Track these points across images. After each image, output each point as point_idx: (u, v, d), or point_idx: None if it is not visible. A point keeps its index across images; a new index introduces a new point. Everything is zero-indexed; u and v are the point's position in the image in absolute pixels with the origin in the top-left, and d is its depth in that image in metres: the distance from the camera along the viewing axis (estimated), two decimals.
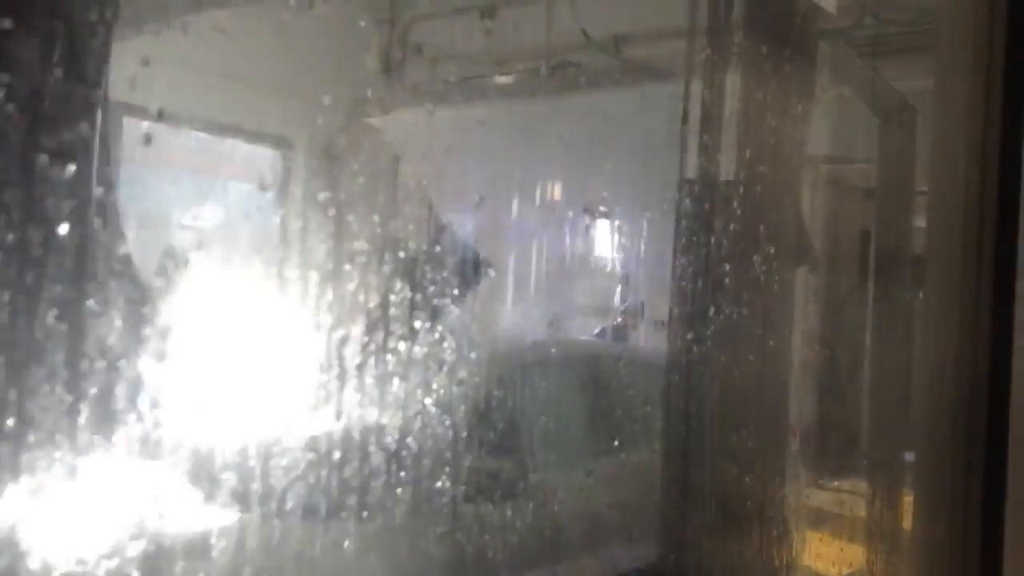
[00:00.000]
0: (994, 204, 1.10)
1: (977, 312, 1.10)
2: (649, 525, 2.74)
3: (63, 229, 0.69)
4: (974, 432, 1.10)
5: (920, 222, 2.99)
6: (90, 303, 0.72)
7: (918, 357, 1.16)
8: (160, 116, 1.12)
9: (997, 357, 1.10)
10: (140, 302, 0.82)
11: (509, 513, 2.16)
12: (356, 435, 1.07)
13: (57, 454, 0.71)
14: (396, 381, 1.10)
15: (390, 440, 1.08)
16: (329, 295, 1.23)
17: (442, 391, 1.04)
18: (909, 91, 3.05)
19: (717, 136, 1.94)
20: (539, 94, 3.65)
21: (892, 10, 3.56)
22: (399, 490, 1.04)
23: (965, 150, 1.11)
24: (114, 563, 0.83)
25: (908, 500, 2.48)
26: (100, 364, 0.74)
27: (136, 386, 0.81)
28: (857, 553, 2.56)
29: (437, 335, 1.03)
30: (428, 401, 1.05)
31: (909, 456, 2.57)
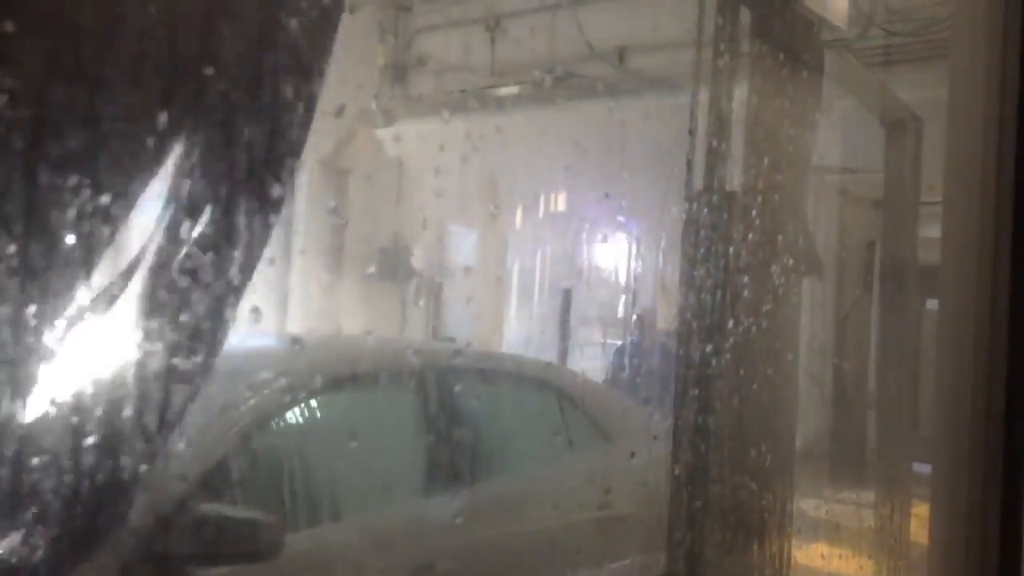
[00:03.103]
0: (1009, 214, 1.10)
1: (994, 322, 1.09)
2: None
3: None
4: (991, 443, 1.09)
5: (924, 232, 3.00)
6: None
7: (934, 368, 1.15)
8: None
9: (1014, 367, 1.09)
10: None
11: None
12: None
13: None
14: None
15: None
16: None
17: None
18: (915, 101, 3.04)
19: (726, 147, 1.93)
20: (543, 104, 3.65)
21: (898, 21, 3.57)
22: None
23: (980, 160, 1.10)
24: None
25: (922, 511, 2.47)
26: None
27: None
28: (868, 565, 2.54)
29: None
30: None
31: (923, 467, 2.56)
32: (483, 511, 2.26)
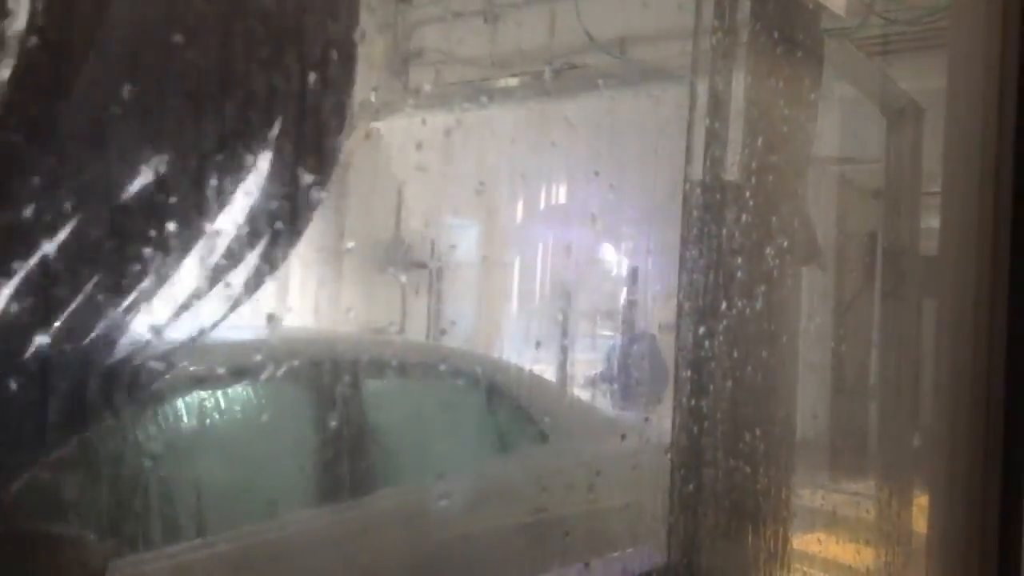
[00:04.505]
0: (1008, 203, 1.09)
1: (993, 312, 1.09)
2: None
3: None
4: (991, 433, 1.08)
5: (927, 222, 2.99)
6: None
7: (933, 358, 1.14)
8: None
9: (1013, 356, 1.09)
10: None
11: None
12: None
13: None
14: None
15: None
16: None
17: None
18: (915, 90, 3.04)
19: (724, 137, 1.93)
20: (543, 96, 3.64)
21: (898, 10, 3.55)
22: None
23: (979, 149, 1.09)
24: None
25: (921, 501, 2.47)
26: None
27: None
28: (868, 553, 2.54)
29: None
30: None
31: (922, 457, 2.55)
32: (384, 523, 2.01)
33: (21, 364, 0.65)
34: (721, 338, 1.80)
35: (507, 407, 2.48)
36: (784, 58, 2.06)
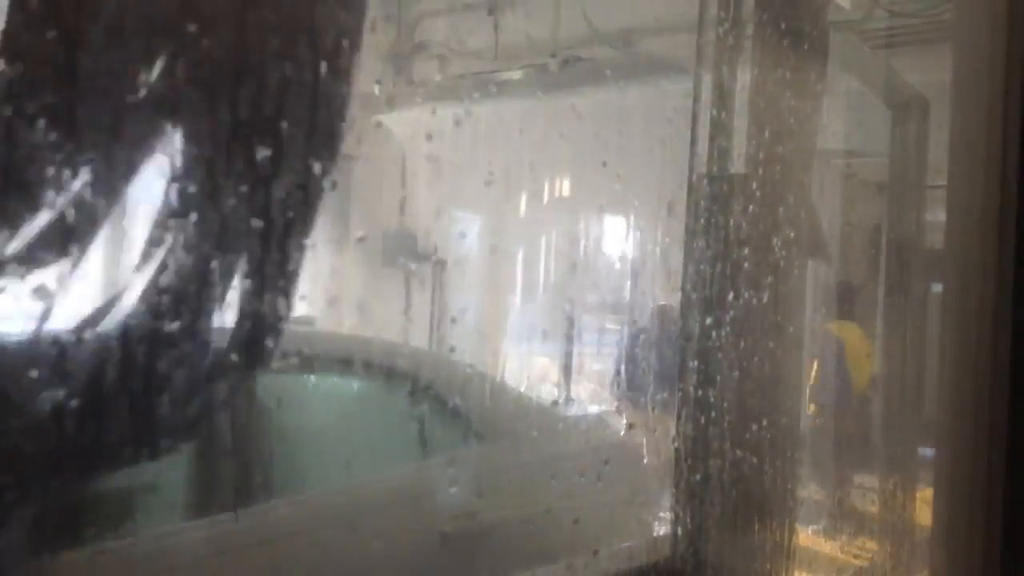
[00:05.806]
0: (1015, 195, 1.09)
1: (998, 304, 1.09)
2: None
3: None
4: (996, 427, 1.08)
5: (932, 216, 2.99)
6: None
7: (938, 351, 1.15)
8: None
9: (1018, 350, 1.09)
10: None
11: None
12: None
13: None
14: None
15: None
16: None
17: None
18: (921, 83, 3.03)
19: (729, 129, 1.93)
20: (547, 88, 3.64)
21: (903, 2, 3.54)
22: None
23: (985, 142, 1.09)
24: None
25: (926, 493, 2.47)
26: None
27: None
28: (872, 546, 2.55)
29: None
30: None
31: (926, 451, 2.56)
32: (273, 538, 1.75)
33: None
34: (728, 328, 1.80)
35: (435, 405, 2.24)
36: (789, 50, 2.06)
